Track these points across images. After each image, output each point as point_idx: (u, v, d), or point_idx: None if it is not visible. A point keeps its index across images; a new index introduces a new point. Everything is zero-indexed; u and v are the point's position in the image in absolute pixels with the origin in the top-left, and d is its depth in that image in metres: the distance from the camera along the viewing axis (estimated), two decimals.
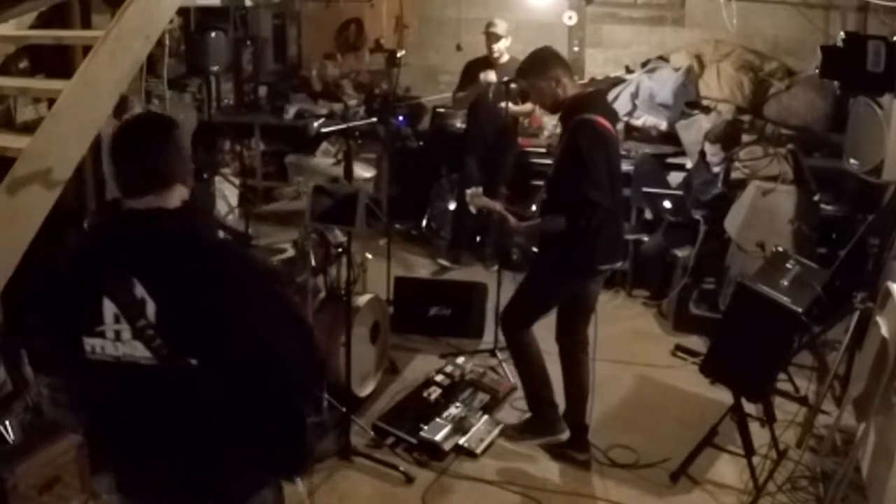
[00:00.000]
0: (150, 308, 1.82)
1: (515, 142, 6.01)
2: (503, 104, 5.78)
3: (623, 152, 5.06)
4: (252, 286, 1.92)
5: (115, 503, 2.13)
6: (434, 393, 4.22)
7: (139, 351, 1.85)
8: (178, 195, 1.94)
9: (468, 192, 3.97)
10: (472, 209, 3.93)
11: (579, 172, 3.36)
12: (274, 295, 1.99)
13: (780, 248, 3.89)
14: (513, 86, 5.74)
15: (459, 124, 6.50)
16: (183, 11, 5.95)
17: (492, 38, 5.73)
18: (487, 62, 5.78)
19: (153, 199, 1.90)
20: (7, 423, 3.09)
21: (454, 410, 4.08)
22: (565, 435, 3.79)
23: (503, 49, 5.75)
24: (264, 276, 1.97)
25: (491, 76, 5.65)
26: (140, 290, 1.82)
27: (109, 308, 1.85)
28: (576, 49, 6.93)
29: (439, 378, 4.35)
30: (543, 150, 6.28)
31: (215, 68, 6.09)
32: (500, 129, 5.87)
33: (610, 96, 6.23)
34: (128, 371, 1.87)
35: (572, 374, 3.77)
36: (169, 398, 1.90)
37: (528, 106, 5.79)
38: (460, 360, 4.60)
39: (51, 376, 2.72)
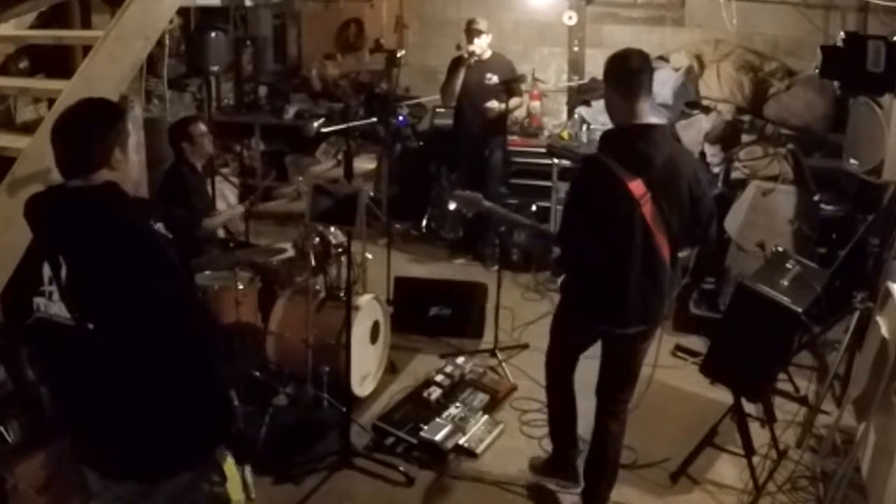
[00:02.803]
0: (63, 272, 2.03)
1: (504, 139, 6.02)
2: (489, 104, 5.83)
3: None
4: (145, 267, 2.03)
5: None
6: (434, 393, 4.22)
7: (63, 311, 2.05)
8: (101, 176, 2.09)
9: (457, 194, 3.94)
10: (468, 213, 3.90)
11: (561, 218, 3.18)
12: (169, 278, 2.07)
13: (780, 248, 3.89)
14: (494, 80, 5.81)
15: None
16: (183, 11, 5.95)
17: (473, 34, 5.79)
18: (470, 56, 5.88)
19: (79, 181, 2.08)
20: (7, 423, 3.09)
21: (454, 410, 4.08)
22: (576, 487, 3.48)
23: (484, 46, 5.82)
24: (164, 260, 2.06)
25: (470, 48, 5.79)
26: (60, 256, 2.04)
27: (46, 271, 2.07)
28: (576, 49, 6.93)
29: (439, 378, 4.35)
30: (543, 150, 6.29)
31: (215, 68, 6.08)
32: (485, 126, 5.90)
33: None
34: (58, 329, 2.07)
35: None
36: (82, 358, 2.08)
37: (514, 101, 5.82)
38: (460, 360, 4.59)
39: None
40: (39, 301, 2.08)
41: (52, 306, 2.06)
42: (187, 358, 2.10)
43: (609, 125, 3.13)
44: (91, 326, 2.01)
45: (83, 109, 2.17)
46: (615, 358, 3.21)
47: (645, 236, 2.93)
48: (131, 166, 2.20)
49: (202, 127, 4.60)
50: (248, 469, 3.24)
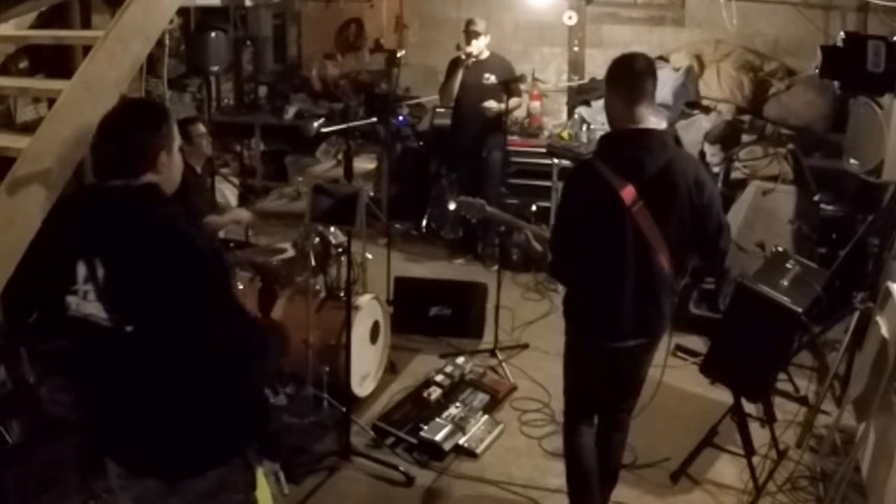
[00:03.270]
0: (101, 273, 1.99)
1: (501, 139, 6.02)
2: (487, 103, 5.83)
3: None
4: (187, 268, 2.00)
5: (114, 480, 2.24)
6: (434, 393, 4.22)
7: (100, 312, 2.00)
8: (149, 179, 2.06)
9: (461, 200, 3.90)
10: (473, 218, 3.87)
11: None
12: (210, 281, 2.05)
13: (780, 248, 3.89)
14: (492, 80, 5.82)
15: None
16: (183, 11, 5.96)
17: (471, 35, 5.79)
18: (468, 57, 5.89)
19: (122, 179, 2.04)
20: (7, 423, 3.09)
21: (454, 410, 4.08)
22: None
23: (482, 46, 5.83)
24: (206, 261, 2.04)
25: (468, 49, 5.80)
26: (97, 258, 1.99)
27: (81, 269, 2.01)
28: (576, 49, 6.93)
29: (439, 378, 4.35)
30: (543, 150, 6.29)
31: (215, 68, 6.09)
32: (484, 126, 5.91)
33: None
34: (93, 330, 2.02)
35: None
36: (118, 359, 2.04)
37: (513, 101, 5.82)
38: (460, 360, 4.59)
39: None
40: (72, 300, 2.04)
41: (88, 306, 2.02)
42: (228, 358, 2.07)
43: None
44: (130, 328, 1.98)
45: (130, 111, 2.14)
46: (616, 370, 3.05)
47: (639, 245, 2.78)
48: (175, 169, 2.15)
49: (201, 128, 4.56)
50: (278, 466, 3.27)
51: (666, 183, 2.78)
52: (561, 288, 3.31)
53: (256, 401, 2.27)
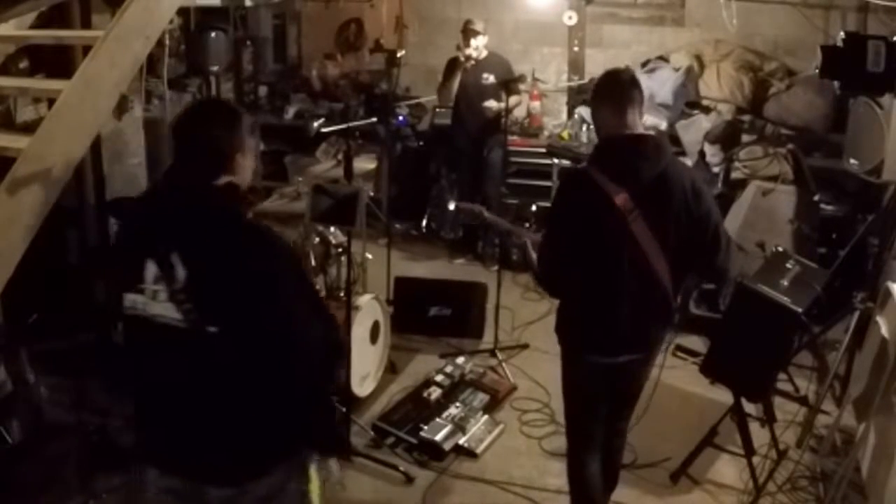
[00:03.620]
0: (181, 274, 1.94)
1: (501, 139, 6.01)
2: (487, 103, 5.83)
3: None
4: (278, 267, 2.00)
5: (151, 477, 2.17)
6: (434, 393, 4.22)
7: (171, 312, 1.96)
8: (224, 180, 2.03)
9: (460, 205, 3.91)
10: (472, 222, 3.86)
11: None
12: (298, 278, 2.05)
13: (780, 248, 3.89)
14: (491, 80, 5.82)
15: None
16: (183, 11, 5.94)
17: (469, 34, 5.79)
18: (467, 59, 5.89)
19: (201, 180, 2.01)
20: (7, 423, 3.09)
21: (454, 410, 4.08)
22: None
23: (481, 46, 5.83)
24: (291, 260, 2.07)
25: (467, 50, 5.79)
26: (175, 257, 1.95)
27: (151, 269, 1.98)
28: (576, 49, 6.93)
29: (439, 378, 4.35)
30: (543, 150, 6.29)
31: (215, 68, 6.09)
32: (484, 126, 5.91)
33: None
34: (159, 331, 1.98)
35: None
36: (192, 361, 1.99)
37: (512, 100, 5.80)
38: (460, 360, 4.59)
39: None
40: (136, 299, 2.00)
41: (155, 306, 1.98)
42: (315, 356, 2.05)
43: None
44: (214, 329, 1.94)
45: (208, 112, 2.11)
46: (612, 385, 2.95)
47: (635, 256, 2.68)
48: (248, 170, 2.13)
49: None
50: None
51: (662, 190, 2.68)
52: None
53: (326, 399, 2.25)
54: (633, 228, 2.65)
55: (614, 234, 2.67)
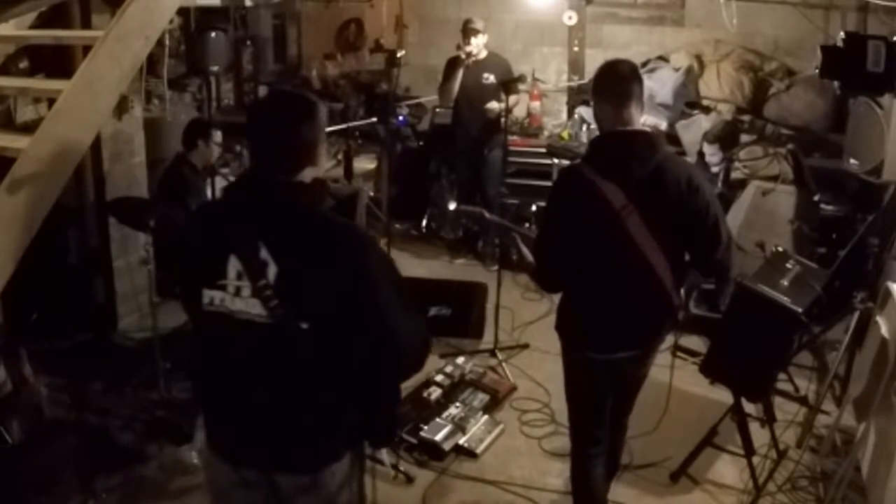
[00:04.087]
0: (272, 271, 1.93)
1: (501, 138, 6.01)
2: (489, 105, 5.82)
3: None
4: (371, 264, 1.99)
5: (209, 460, 2.19)
6: (434, 393, 4.21)
7: (255, 308, 1.95)
8: (309, 173, 2.02)
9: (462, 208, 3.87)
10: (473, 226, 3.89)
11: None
12: (390, 276, 2.05)
13: (780, 248, 3.89)
14: (491, 80, 5.82)
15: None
16: (183, 11, 5.94)
17: (469, 33, 5.79)
18: (468, 56, 5.88)
19: (286, 175, 1.99)
20: (7, 422, 3.09)
21: (454, 410, 4.08)
22: None
23: (481, 45, 5.82)
24: (383, 258, 2.06)
25: (467, 48, 5.78)
26: (264, 253, 1.93)
27: (234, 265, 1.96)
28: (576, 49, 6.93)
29: (439, 378, 4.34)
30: (543, 150, 6.29)
31: (215, 68, 6.06)
32: (485, 126, 5.91)
33: None
34: (240, 326, 1.97)
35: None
36: (275, 356, 1.98)
37: (512, 99, 5.80)
38: (460, 360, 4.59)
39: None
40: (215, 294, 1.98)
41: (238, 302, 1.96)
42: (405, 356, 2.05)
43: None
44: (305, 325, 1.93)
45: (289, 105, 2.06)
46: (611, 381, 2.95)
47: (631, 252, 2.66)
48: (325, 161, 2.12)
49: (219, 136, 4.95)
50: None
51: (656, 186, 2.67)
52: None
53: (396, 392, 2.23)
54: (627, 224, 2.63)
55: (608, 230, 2.65)
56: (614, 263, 2.71)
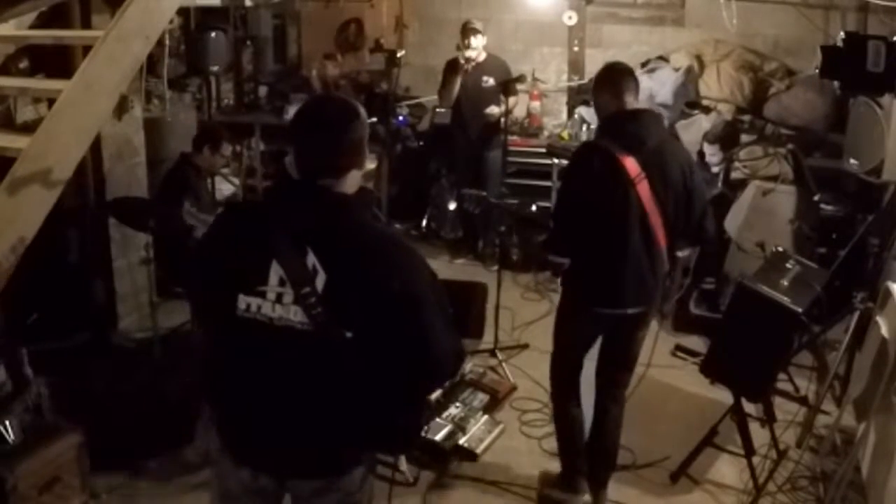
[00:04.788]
0: (321, 279, 1.90)
1: (501, 139, 5.99)
2: (489, 110, 5.82)
3: None
4: (421, 283, 1.98)
5: (222, 466, 2.15)
6: (434, 393, 4.21)
7: (297, 316, 1.92)
8: (354, 180, 2.02)
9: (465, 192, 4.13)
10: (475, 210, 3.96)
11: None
12: (436, 294, 2.03)
13: (780, 248, 3.89)
14: (491, 83, 5.82)
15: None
16: (183, 11, 5.94)
17: (469, 32, 5.78)
18: (467, 61, 5.88)
19: (334, 182, 1.97)
20: (7, 423, 3.09)
21: (454, 410, 4.08)
22: (584, 495, 3.50)
23: (480, 47, 5.81)
24: (431, 275, 2.04)
25: (466, 53, 5.79)
26: (312, 260, 1.90)
27: (276, 271, 1.93)
28: (576, 49, 6.93)
29: None
30: (543, 149, 6.28)
31: (215, 68, 6.09)
32: (484, 128, 5.91)
33: None
34: (278, 333, 1.94)
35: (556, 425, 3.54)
36: (313, 363, 1.96)
37: (511, 100, 5.79)
38: None
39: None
40: (252, 301, 1.95)
41: (277, 308, 1.93)
42: (442, 369, 2.06)
43: None
44: (349, 334, 1.91)
45: (335, 106, 2.07)
46: (614, 342, 3.33)
47: (641, 217, 3.05)
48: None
49: (229, 150, 5.08)
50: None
51: (663, 158, 3.08)
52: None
53: (424, 402, 2.27)
54: (639, 192, 3.02)
55: (624, 196, 3.03)
56: (627, 226, 3.06)
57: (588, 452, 3.45)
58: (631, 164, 3.00)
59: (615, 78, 3.15)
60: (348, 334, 1.91)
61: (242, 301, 1.96)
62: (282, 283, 1.93)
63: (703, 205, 3.25)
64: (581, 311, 3.28)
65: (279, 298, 1.93)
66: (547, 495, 3.57)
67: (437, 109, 6.73)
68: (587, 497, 3.47)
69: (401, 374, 1.99)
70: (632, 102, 3.11)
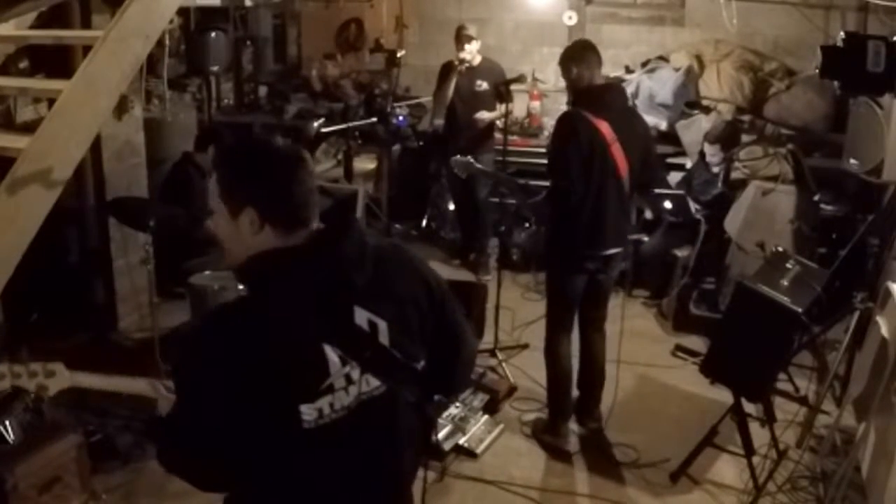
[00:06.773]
0: (383, 328, 1.68)
1: (492, 143, 5.94)
2: (478, 115, 5.78)
3: None
4: (432, 273, 1.89)
5: None
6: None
7: (371, 383, 1.68)
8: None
9: (453, 160, 4.49)
10: (462, 174, 4.46)
11: (548, 162, 3.87)
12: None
13: (780, 248, 3.89)
14: (485, 87, 5.79)
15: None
16: (183, 11, 5.95)
17: (463, 39, 5.75)
18: (461, 63, 5.84)
19: (315, 226, 1.73)
20: (7, 423, 3.09)
21: (454, 410, 4.07)
22: (568, 445, 3.90)
23: (474, 51, 5.78)
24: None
25: (461, 55, 5.74)
26: (363, 316, 1.67)
27: (333, 354, 1.62)
28: None
29: None
30: (543, 150, 6.28)
31: (215, 68, 6.09)
32: (475, 133, 5.86)
33: None
34: (360, 413, 1.67)
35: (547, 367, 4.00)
36: (399, 417, 1.75)
37: (501, 109, 5.74)
38: None
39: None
40: (321, 405, 1.61)
41: (352, 390, 1.65)
42: (473, 355, 2.02)
43: None
44: (422, 363, 1.77)
45: (276, 143, 1.84)
46: (595, 285, 3.81)
47: (616, 172, 3.61)
48: None
49: None
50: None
51: (629, 121, 3.72)
52: None
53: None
54: (613, 151, 3.59)
55: (603, 155, 3.58)
56: (606, 180, 3.61)
57: (580, 381, 3.98)
58: (606, 129, 3.56)
59: (588, 55, 3.69)
60: (420, 364, 1.76)
61: (310, 411, 1.60)
62: (343, 362, 1.63)
63: (656, 160, 4.19)
64: (567, 259, 3.75)
65: (349, 380, 1.64)
66: (539, 439, 3.98)
67: (435, 121, 6.67)
68: (574, 439, 3.93)
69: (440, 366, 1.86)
70: (599, 75, 3.73)
